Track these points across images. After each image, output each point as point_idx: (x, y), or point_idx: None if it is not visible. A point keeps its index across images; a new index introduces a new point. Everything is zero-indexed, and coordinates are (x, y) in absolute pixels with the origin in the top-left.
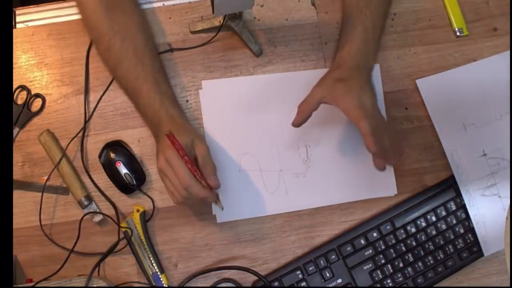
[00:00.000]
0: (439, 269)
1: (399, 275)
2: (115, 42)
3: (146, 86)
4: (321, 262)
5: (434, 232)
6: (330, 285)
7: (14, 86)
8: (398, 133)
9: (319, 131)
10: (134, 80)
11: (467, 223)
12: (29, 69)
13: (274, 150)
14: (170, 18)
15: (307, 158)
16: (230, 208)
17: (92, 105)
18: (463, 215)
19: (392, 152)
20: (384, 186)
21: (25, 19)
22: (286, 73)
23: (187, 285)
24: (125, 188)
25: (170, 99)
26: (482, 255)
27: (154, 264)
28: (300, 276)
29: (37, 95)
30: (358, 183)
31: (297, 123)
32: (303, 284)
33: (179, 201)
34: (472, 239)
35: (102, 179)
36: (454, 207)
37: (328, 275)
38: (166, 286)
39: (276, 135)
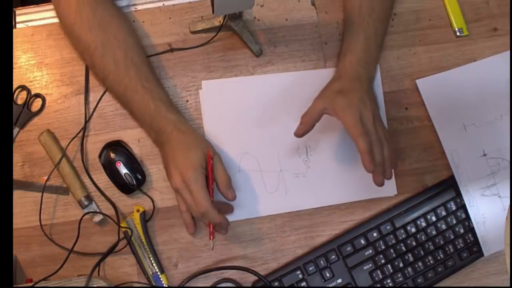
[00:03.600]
0: (439, 269)
1: (399, 275)
2: (96, 59)
3: (136, 96)
4: (321, 262)
5: (434, 232)
6: (330, 285)
7: (14, 86)
8: (395, 146)
9: (319, 131)
10: (123, 92)
11: (467, 223)
12: (29, 69)
13: (274, 150)
14: (170, 18)
15: (307, 158)
16: None
17: (92, 105)
18: (463, 215)
19: (390, 165)
20: (384, 187)
21: (25, 19)
22: (286, 73)
23: (187, 285)
24: (125, 188)
25: (165, 104)
26: (482, 255)
27: (154, 264)
28: (300, 276)
29: (37, 95)
30: (358, 183)
31: (299, 134)
32: (303, 284)
33: (189, 223)
34: (472, 239)
35: (102, 179)
36: (454, 207)
37: (328, 275)
38: (166, 286)
39: (276, 135)
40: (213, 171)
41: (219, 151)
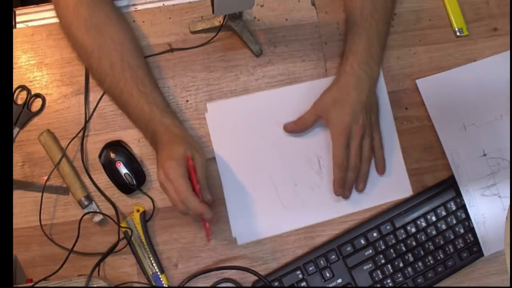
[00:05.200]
0: (439, 269)
1: (399, 275)
2: (93, 62)
3: (132, 100)
4: (321, 262)
5: (434, 232)
6: (330, 285)
7: (14, 86)
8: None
9: (328, 140)
10: (119, 95)
11: (467, 223)
12: (29, 69)
13: (286, 164)
14: (170, 18)
15: (320, 169)
16: (249, 228)
17: (92, 105)
18: (463, 215)
19: (362, 182)
20: (400, 188)
21: (25, 19)
22: (290, 86)
23: (187, 285)
24: (125, 188)
25: (160, 108)
26: (482, 255)
27: (154, 264)
28: (300, 276)
29: (37, 95)
30: (374, 188)
31: (288, 131)
32: (303, 284)
33: (182, 213)
34: (472, 239)
35: (102, 179)
36: (454, 207)
37: (328, 275)
38: (166, 286)
39: (286, 150)
40: (195, 172)
41: (231, 172)
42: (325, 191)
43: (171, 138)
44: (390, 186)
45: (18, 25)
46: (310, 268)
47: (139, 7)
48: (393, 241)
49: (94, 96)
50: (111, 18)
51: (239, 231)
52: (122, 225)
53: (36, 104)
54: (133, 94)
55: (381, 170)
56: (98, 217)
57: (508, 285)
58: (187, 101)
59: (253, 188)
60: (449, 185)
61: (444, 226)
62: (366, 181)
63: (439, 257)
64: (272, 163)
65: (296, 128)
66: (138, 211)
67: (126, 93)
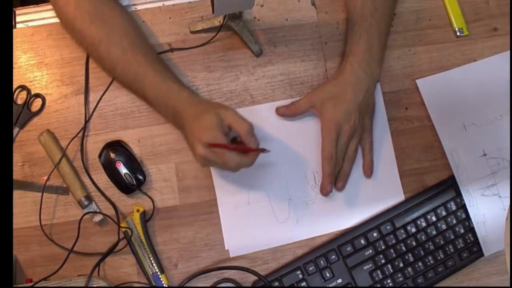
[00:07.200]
0: (439, 269)
1: (399, 275)
2: (102, 51)
3: (148, 79)
4: (321, 262)
5: (434, 232)
6: (330, 285)
7: (14, 86)
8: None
9: None
10: (133, 78)
11: (467, 223)
12: (29, 69)
13: (282, 179)
14: (170, 18)
15: (315, 184)
16: (242, 241)
17: (92, 105)
18: (463, 215)
19: (343, 179)
20: (392, 193)
21: (25, 19)
22: (287, 100)
23: (187, 285)
24: (125, 188)
25: (176, 83)
26: (482, 255)
27: (154, 264)
28: (300, 276)
29: (37, 95)
30: (368, 198)
31: (279, 114)
32: (303, 284)
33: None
34: (472, 239)
35: (102, 179)
36: (454, 207)
37: (328, 275)
38: (166, 286)
39: (282, 164)
40: (227, 145)
41: (226, 185)
42: (319, 206)
43: (195, 113)
44: (384, 192)
45: (18, 25)
46: (310, 268)
47: (139, 7)
48: (393, 241)
49: (94, 96)
50: (115, 9)
51: (232, 244)
52: (122, 225)
53: (36, 104)
54: (148, 74)
55: (368, 173)
56: (98, 217)
57: (508, 285)
58: None
59: (247, 201)
60: (449, 185)
61: (444, 226)
62: (346, 180)
63: (439, 257)
64: (267, 177)
65: (288, 112)
66: (138, 211)
67: (141, 74)
